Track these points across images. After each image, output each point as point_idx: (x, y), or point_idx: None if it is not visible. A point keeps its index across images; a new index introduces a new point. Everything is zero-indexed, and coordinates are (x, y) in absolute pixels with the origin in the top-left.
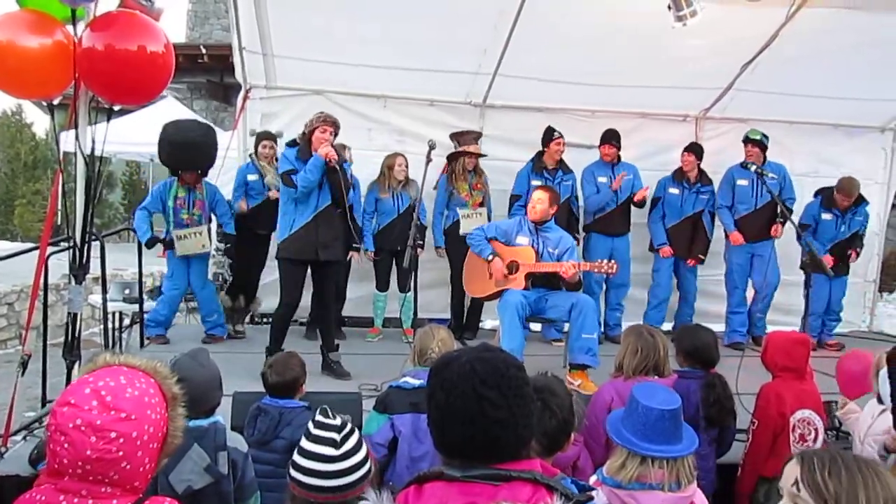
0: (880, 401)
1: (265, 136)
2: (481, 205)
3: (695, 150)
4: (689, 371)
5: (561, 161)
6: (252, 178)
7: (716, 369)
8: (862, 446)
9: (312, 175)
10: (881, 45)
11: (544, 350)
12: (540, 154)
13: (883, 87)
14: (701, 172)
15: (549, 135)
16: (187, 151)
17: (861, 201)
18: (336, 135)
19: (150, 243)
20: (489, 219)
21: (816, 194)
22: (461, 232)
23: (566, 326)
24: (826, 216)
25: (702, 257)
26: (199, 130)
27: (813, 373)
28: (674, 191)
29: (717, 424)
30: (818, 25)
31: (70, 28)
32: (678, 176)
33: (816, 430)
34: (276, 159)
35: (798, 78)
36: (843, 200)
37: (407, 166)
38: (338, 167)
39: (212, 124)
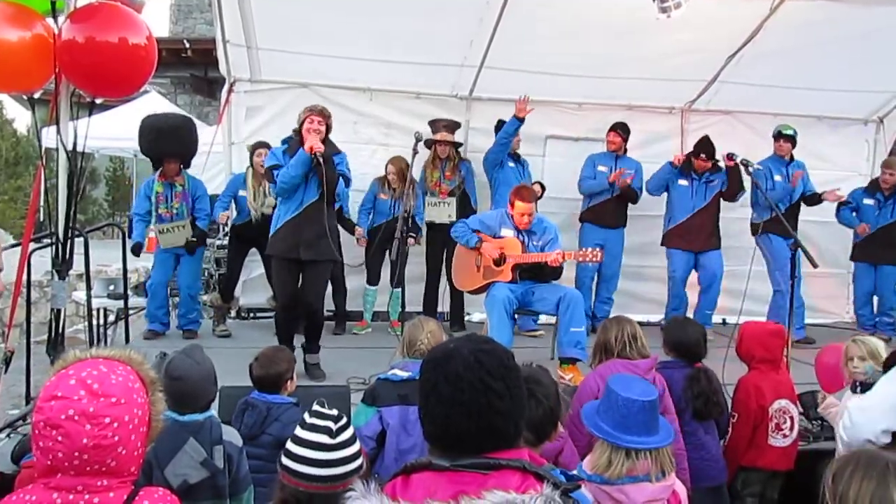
0: (854, 390)
1: (260, 146)
2: (451, 194)
3: (707, 150)
4: (673, 362)
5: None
6: (242, 193)
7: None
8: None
9: (294, 170)
10: (864, 37)
11: (526, 343)
12: None
13: (866, 79)
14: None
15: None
16: (168, 136)
17: None
18: (328, 125)
19: (134, 249)
20: (475, 210)
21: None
22: (426, 219)
23: (542, 318)
24: (868, 201)
25: None
26: (178, 118)
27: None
28: (683, 182)
29: (706, 417)
30: (802, 17)
31: (50, 20)
32: (686, 168)
33: (792, 418)
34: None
35: (782, 70)
36: (885, 175)
37: (399, 174)
38: (321, 160)
39: (196, 119)
